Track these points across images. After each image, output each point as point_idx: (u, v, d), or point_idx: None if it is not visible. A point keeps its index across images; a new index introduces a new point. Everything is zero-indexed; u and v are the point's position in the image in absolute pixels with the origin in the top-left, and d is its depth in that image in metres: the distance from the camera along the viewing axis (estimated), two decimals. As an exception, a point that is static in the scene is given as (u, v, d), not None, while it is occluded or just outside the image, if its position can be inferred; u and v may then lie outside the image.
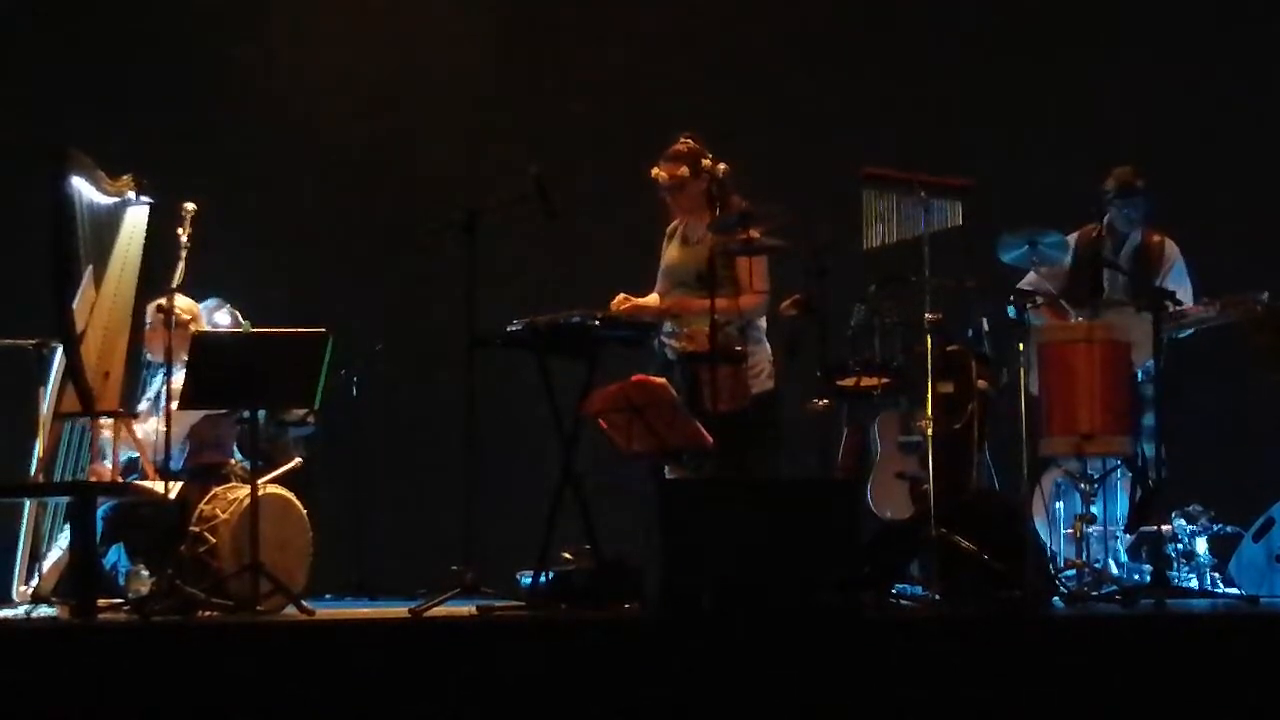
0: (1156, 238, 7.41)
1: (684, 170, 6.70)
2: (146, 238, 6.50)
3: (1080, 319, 7.00)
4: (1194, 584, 6.92)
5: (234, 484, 6.66)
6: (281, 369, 6.18)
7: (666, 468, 6.47)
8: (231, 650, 5.16)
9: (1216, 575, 7.10)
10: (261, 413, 6.47)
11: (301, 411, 7.29)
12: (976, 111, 8.85)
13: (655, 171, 6.76)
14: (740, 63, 9.20)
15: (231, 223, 8.32)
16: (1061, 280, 7.26)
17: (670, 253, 6.87)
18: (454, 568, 6.14)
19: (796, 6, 9.20)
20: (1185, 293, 7.25)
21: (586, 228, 8.42)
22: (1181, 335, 7.14)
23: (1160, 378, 6.60)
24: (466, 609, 5.91)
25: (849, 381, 6.53)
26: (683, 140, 6.76)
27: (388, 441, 9.04)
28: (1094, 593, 6.45)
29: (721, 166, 6.65)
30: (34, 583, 6.52)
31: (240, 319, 7.34)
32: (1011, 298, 6.61)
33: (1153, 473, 6.71)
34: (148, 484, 6.54)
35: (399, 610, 5.96)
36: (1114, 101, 8.76)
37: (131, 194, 6.49)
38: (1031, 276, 7.16)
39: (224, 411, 6.79)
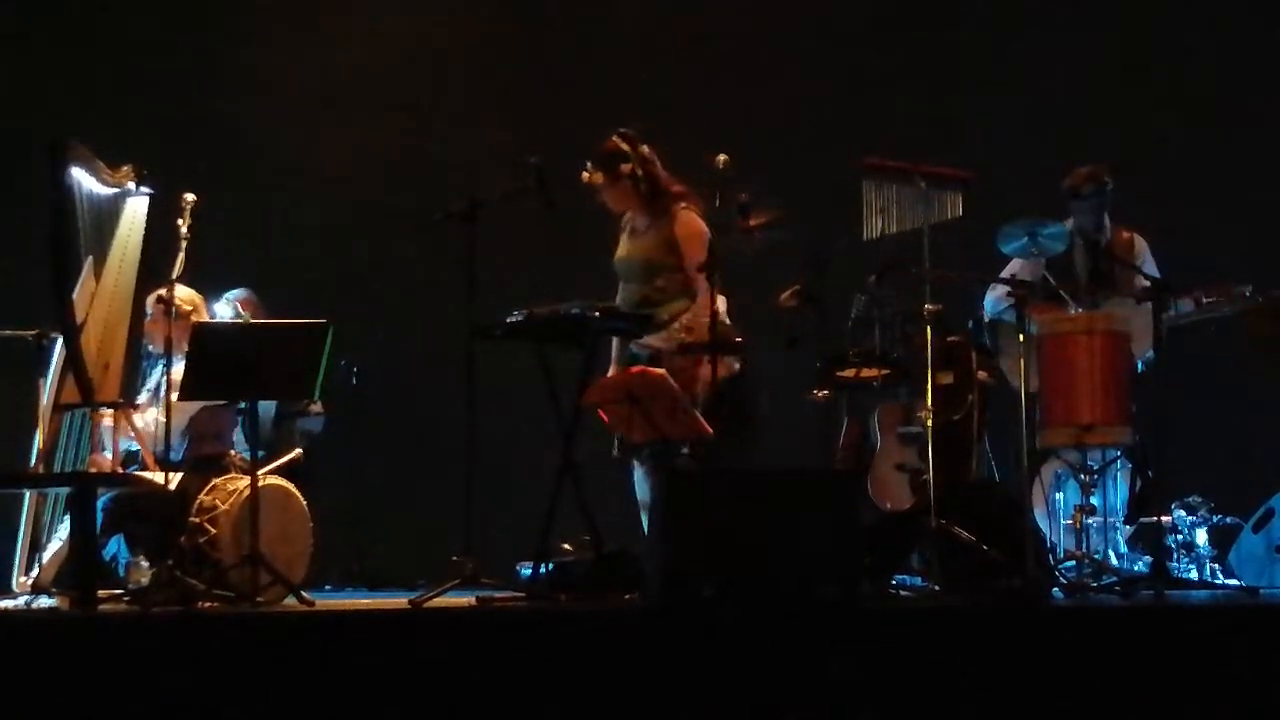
0: (1125, 234, 7.37)
1: (599, 178, 6.68)
2: (146, 228, 6.50)
3: (1080, 310, 6.99)
4: (1194, 575, 6.91)
5: (234, 475, 6.66)
6: (282, 360, 6.18)
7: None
8: (232, 641, 5.15)
9: (1216, 566, 7.10)
10: (270, 407, 6.45)
11: (315, 408, 7.29)
12: (976, 104, 8.84)
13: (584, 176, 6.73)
14: (739, 53, 9.19)
15: (232, 214, 8.33)
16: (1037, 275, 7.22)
17: (621, 247, 6.84)
18: (454, 558, 6.14)
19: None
20: None
21: (586, 219, 8.41)
22: (1180, 322, 7.12)
23: (1160, 369, 6.58)
24: (466, 600, 5.92)
25: (849, 372, 6.53)
26: (609, 139, 6.69)
27: (388, 432, 9.04)
28: (1093, 584, 6.45)
29: (645, 149, 6.63)
30: (34, 573, 6.52)
31: (240, 310, 7.34)
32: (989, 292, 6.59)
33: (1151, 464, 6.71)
34: (148, 475, 6.54)
35: (399, 601, 5.96)
36: (1115, 95, 8.76)
37: (131, 185, 6.49)
38: (1015, 265, 7.11)
39: (224, 402, 6.79)
